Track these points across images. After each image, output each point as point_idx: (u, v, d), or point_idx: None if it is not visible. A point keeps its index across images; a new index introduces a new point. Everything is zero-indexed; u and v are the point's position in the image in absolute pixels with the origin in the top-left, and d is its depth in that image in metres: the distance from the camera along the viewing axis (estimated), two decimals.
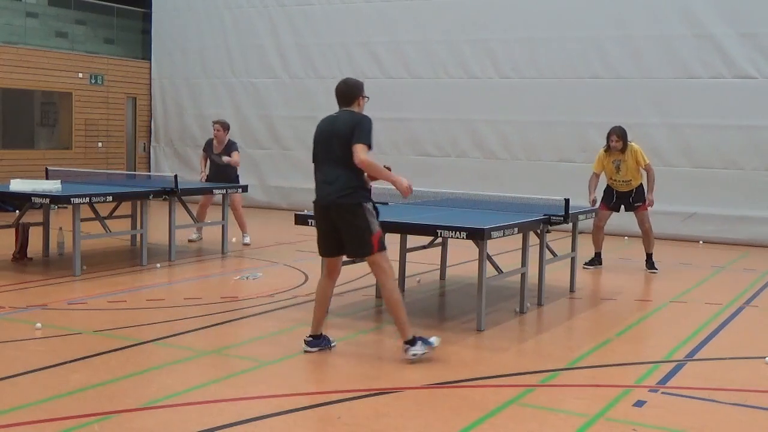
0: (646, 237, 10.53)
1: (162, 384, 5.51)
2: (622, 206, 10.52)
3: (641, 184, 10.47)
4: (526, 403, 5.25)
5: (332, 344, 6.35)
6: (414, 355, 6.02)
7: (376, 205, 6.15)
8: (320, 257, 6.32)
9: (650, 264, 10.56)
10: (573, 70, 14.48)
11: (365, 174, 6.06)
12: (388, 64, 16.11)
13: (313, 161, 6.20)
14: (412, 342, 6.05)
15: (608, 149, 10.28)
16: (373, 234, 5.99)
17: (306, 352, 6.22)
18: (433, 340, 6.20)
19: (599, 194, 10.51)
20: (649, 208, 10.47)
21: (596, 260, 10.67)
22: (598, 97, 14.25)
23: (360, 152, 5.85)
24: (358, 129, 5.90)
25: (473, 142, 15.35)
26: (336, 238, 6.10)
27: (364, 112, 6.17)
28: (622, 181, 10.37)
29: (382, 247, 6.06)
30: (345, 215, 5.97)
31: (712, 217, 13.20)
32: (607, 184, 10.53)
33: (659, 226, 13.66)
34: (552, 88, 14.62)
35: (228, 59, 17.90)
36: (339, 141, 5.96)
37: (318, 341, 6.27)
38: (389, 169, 6.25)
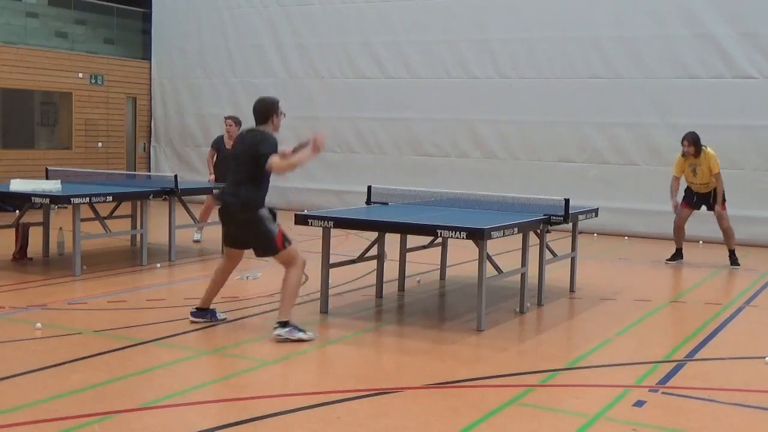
0: (726, 236, 11.01)
1: (162, 384, 5.51)
2: (704, 206, 11.03)
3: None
4: (526, 403, 5.25)
5: (220, 317, 7.04)
6: (278, 336, 6.43)
7: (272, 209, 6.69)
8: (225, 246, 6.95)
9: (733, 260, 10.98)
10: (573, 70, 14.48)
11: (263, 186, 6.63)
12: (388, 64, 16.11)
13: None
14: (284, 324, 6.47)
15: (684, 154, 10.76)
16: (274, 236, 6.55)
17: (192, 322, 6.89)
18: (309, 334, 6.51)
19: (679, 195, 11.05)
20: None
21: (677, 255, 11.17)
22: (598, 97, 14.25)
23: (272, 163, 6.42)
24: (263, 144, 6.49)
25: (473, 142, 15.35)
26: (240, 239, 6.76)
27: (276, 131, 6.74)
28: (700, 184, 10.87)
29: (287, 243, 6.59)
30: (246, 226, 6.60)
31: (713, 217, 13.17)
32: (687, 186, 11.05)
33: (659, 226, 13.69)
34: (552, 88, 14.62)
35: (228, 59, 17.90)
36: (243, 158, 6.58)
37: (204, 313, 6.97)
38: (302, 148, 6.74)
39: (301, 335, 6.46)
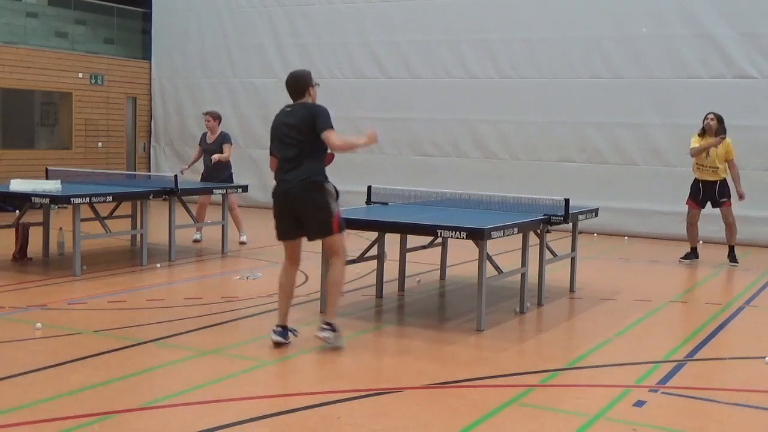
0: (729, 231, 11.13)
1: (162, 384, 5.51)
2: (709, 203, 11.11)
3: (725, 179, 10.96)
4: (526, 403, 5.25)
5: (296, 333, 6.47)
6: (327, 339, 6.25)
7: (335, 187, 6.32)
8: (283, 243, 6.46)
9: (732, 257, 11.13)
10: (573, 70, 14.48)
11: (325, 160, 6.34)
12: (388, 64, 16.11)
13: (271, 154, 6.51)
14: (333, 327, 6.28)
15: (702, 133, 10.78)
16: (333, 216, 6.24)
17: (276, 342, 6.28)
18: (342, 342, 6.36)
19: (685, 193, 11.29)
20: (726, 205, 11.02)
21: (692, 254, 11.28)
22: (598, 97, 14.25)
23: (332, 137, 6.14)
24: (319, 118, 6.18)
25: (473, 142, 15.35)
26: (294, 221, 6.29)
27: (318, 100, 6.48)
28: (710, 167, 10.85)
29: (342, 228, 6.33)
30: (309, 200, 6.19)
31: (713, 217, 13.16)
32: (694, 178, 11.10)
33: (659, 226, 13.71)
34: (552, 88, 14.62)
35: (228, 59, 17.90)
36: (297, 132, 6.23)
37: (286, 331, 6.37)
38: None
39: (338, 343, 6.32)
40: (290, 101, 6.50)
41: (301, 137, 6.22)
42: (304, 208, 6.23)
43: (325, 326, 6.31)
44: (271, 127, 6.56)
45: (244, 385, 5.48)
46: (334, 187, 6.31)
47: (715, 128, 10.72)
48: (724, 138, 10.73)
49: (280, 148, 6.37)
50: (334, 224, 6.25)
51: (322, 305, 7.56)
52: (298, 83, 6.41)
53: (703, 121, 10.81)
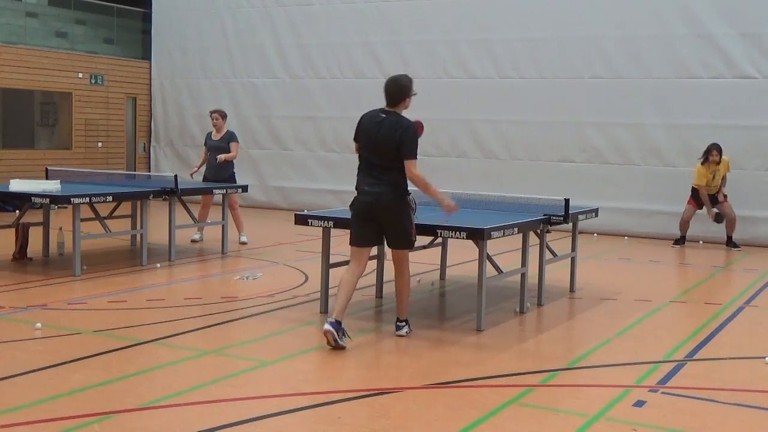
0: (730, 223, 12.59)
1: (162, 384, 5.51)
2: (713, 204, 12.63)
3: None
4: (526, 403, 5.25)
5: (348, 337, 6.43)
6: (406, 333, 6.77)
7: (415, 200, 6.61)
8: (352, 247, 6.64)
9: (732, 244, 12.63)
10: (573, 70, 14.48)
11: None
12: (388, 64, 16.07)
13: (359, 157, 6.60)
14: (407, 322, 6.83)
15: (705, 162, 12.42)
16: (412, 228, 6.55)
17: (327, 331, 6.22)
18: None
19: (685, 193, 12.89)
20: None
21: (680, 241, 12.93)
22: (598, 97, 14.25)
23: (412, 168, 6.33)
24: (407, 143, 6.30)
25: (473, 142, 15.35)
26: (375, 229, 6.54)
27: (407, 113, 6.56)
28: (714, 186, 12.60)
29: (415, 241, 6.70)
30: (395, 213, 6.45)
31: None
32: (693, 187, 12.71)
33: (659, 226, 13.71)
34: (552, 88, 14.62)
35: (228, 59, 17.90)
36: (386, 144, 6.35)
37: (339, 326, 6.32)
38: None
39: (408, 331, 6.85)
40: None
41: (389, 153, 6.35)
42: (391, 218, 6.47)
43: (401, 324, 6.80)
44: (358, 125, 6.58)
45: (244, 385, 5.48)
46: (414, 200, 6.55)
47: (717, 161, 12.39)
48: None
49: (368, 153, 6.49)
50: (413, 237, 6.59)
51: (323, 305, 7.57)
52: (400, 90, 6.45)
53: (707, 153, 12.38)
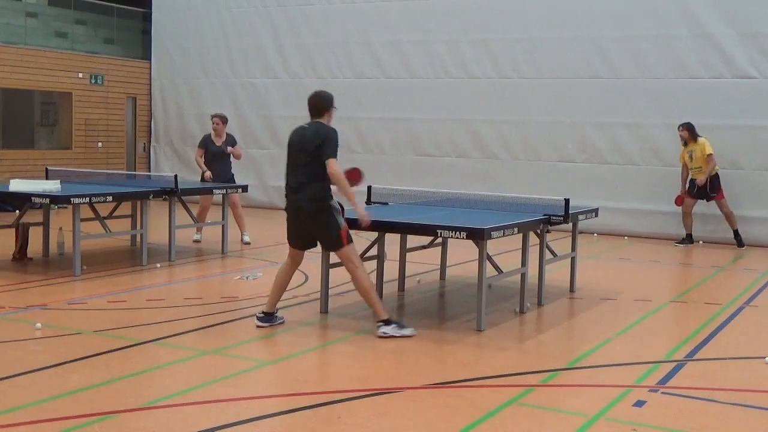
0: (728, 219, 12.69)
1: (162, 384, 5.51)
2: (704, 196, 12.78)
3: (716, 174, 12.70)
4: (526, 403, 5.25)
5: (281, 320, 7.05)
6: (384, 333, 6.68)
7: (340, 202, 6.84)
8: (289, 247, 7.04)
9: (738, 240, 12.67)
10: (573, 70, 14.47)
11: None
12: (388, 64, 16.11)
13: (286, 167, 6.92)
14: (386, 322, 6.74)
15: (684, 143, 12.71)
16: (341, 230, 6.75)
17: (258, 327, 6.88)
18: (409, 330, 6.77)
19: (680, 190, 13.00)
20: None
21: (687, 240, 12.92)
22: (598, 97, 14.25)
23: (333, 165, 6.61)
24: (328, 143, 6.64)
25: (473, 142, 15.34)
26: (305, 236, 6.92)
27: (332, 123, 6.90)
28: (695, 168, 12.69)
29: (350, 240, 6.80)
30: (317, 218, 6.73)
31: (712, 217, 13.19)
32: (690, 176, 12.84)
33: (659, 226, 13.71)
34: (552, 88, 14.62)
35: (228, 59, 17.89)
36: (307, 152, 6.68)
37: (270, 318, 6.96)
38: (360, 173, 7.17)
39: (405, 332, 6.73)
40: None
41: (309, 158, 6.67)
42: (314, 227, 6.80)
43: (379, 324, 6.74)
44: (288, 143, 6.96)
45: (244, 385, 5.48)
46: (339, 203, 6.79)
47: (687, 138, 12.62)
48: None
49: (291, 164, 6.85)
50: (343, 238, 6.75)
51: (322, 305, 7.58)
52: (323, 101, 6.91)
53: (677, 129, 12.75)
